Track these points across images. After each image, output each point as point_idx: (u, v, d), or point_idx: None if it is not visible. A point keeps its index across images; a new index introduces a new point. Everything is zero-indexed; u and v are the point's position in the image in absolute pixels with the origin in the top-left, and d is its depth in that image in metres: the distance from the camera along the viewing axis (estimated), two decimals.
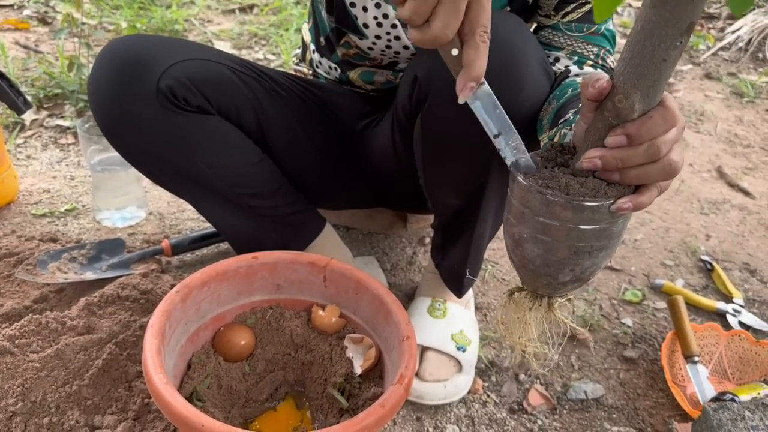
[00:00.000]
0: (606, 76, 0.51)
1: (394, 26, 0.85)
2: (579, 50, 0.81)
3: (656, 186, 0.53)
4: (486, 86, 0.57)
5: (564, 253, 0.55)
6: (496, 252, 1.29)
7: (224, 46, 2.10)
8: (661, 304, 1.20)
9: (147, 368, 0.67)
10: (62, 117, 1.59)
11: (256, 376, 0.85)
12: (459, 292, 0.99)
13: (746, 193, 1.64)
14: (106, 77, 0.78)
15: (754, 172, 1.76)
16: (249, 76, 0.89)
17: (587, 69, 0.79)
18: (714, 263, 1.30)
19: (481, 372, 1.00)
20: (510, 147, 0.58)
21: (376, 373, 0.83)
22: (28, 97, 1.20)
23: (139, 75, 0.77)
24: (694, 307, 1.19)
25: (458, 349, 0.95)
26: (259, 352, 0.86)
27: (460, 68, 0.55)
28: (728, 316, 1.16)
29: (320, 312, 0.87)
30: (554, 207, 0.53)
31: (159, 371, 0.67)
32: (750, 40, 2.56)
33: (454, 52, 0.55)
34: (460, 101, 0.56)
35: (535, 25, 0.87)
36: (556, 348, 0.60)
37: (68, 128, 1.55)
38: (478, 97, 0.57)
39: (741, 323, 1.15)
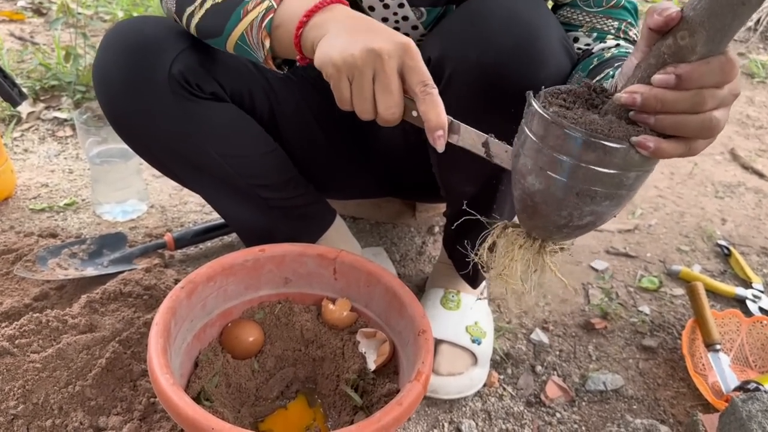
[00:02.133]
0: (676, 7, 0.46)
1: (401, 5, 0.81)
2: (599, 26, 0.77)
3: (686, 142, 0.49)
4: (455, 122, 0.59)
5: (566, 193, 0.51)
6: None
7: None
8: (679, 291, 1.16)
9: (152, 369, 0.64)
10: (59, 109, 1.55)
11: (266, 373, 0.82)
12: (473, 283, 0.96)
13: (761, 175, 1.60)
14: (114, 63, 0.74)
15: None
16: None
17: (610, 42, 0.75)
18: (731, 248, 1.27)
19: (496, 364, 0.97)
20: (500, 144, 0.58)
21: (390, 368, 0.80)
22: (24, 89, 1.17)
23: (149, 60, 0.73)
24: (712, 294, 1.15)
25: (473, 341, 0.92)
26: (268, 348, 0.83)
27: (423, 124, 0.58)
28: (748, 302, 1.13)
29: (331, 306, 0.84)
30: (569, 141, 0.49)
31: (165, 371, 0.64)
32: (759, 20, 2.51)
33: (414, 114, 0.59)
34: (439, 151, 0.59)
35: (551, 3, 0.83)
36: (534, 292, 0.60)
37: (66, 120, 1.52)
38: (456, 137, 0.59)
39: (761, 309, 1.12)
